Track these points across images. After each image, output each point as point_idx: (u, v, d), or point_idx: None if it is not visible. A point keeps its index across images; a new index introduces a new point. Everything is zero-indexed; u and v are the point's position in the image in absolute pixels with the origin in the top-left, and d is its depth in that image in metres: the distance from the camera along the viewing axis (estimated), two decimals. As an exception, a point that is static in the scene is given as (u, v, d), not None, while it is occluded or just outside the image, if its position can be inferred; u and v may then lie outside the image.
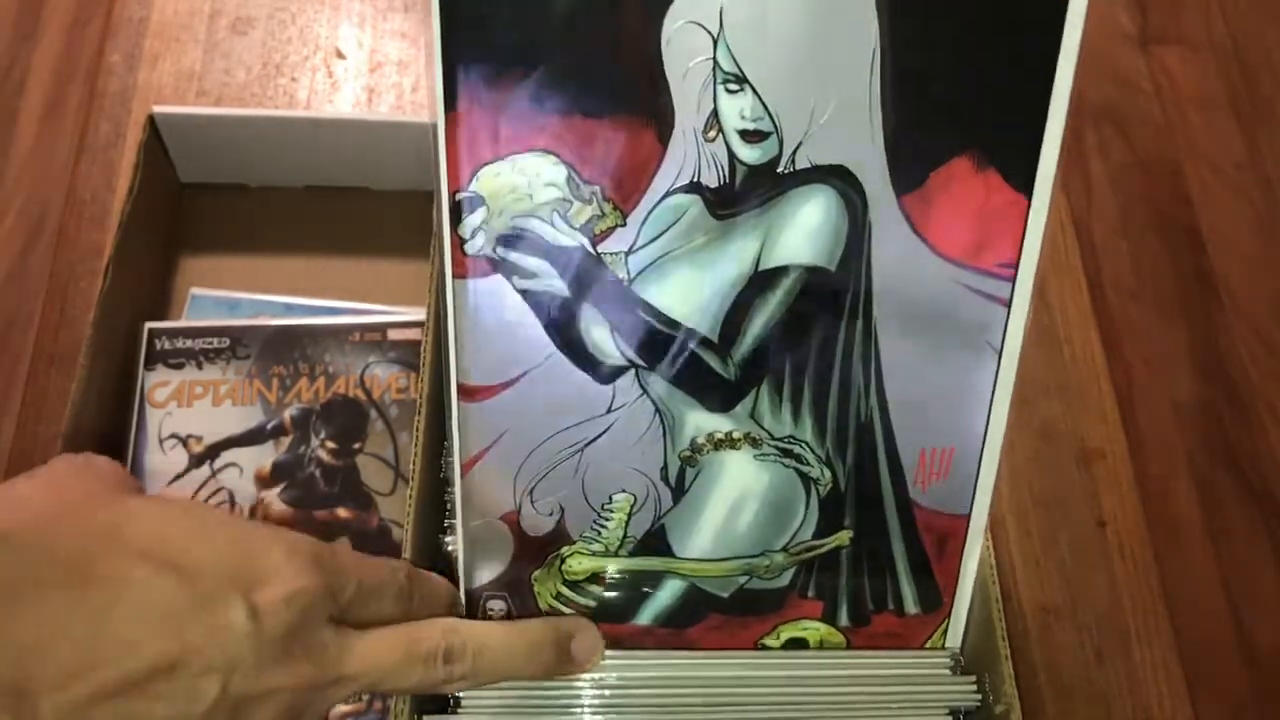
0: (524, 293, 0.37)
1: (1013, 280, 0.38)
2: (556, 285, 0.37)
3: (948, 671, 0.42)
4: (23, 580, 0.30)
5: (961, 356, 0.39)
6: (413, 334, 0.57)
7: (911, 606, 0.42)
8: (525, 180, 0.36)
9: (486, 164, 0.36)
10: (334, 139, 0.61)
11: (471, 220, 0.36)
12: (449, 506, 0.41)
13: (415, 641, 0.36)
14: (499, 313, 0.38)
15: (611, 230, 0.37)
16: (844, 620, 0.42)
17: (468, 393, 0.39)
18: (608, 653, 0.41)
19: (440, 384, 0.42)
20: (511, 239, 0.37)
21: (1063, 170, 0.37)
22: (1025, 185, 0.37)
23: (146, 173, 0.57)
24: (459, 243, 0.37)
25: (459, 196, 0.36)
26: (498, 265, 0.37)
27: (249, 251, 0.63)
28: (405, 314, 0.58)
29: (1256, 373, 0.64)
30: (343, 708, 0.51)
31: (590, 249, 0.37)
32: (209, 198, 0.64)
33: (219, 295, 0.61)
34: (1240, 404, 0.63)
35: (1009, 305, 0.39)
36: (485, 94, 0.35)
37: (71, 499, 0.33)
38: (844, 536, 0.41)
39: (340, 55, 0.69)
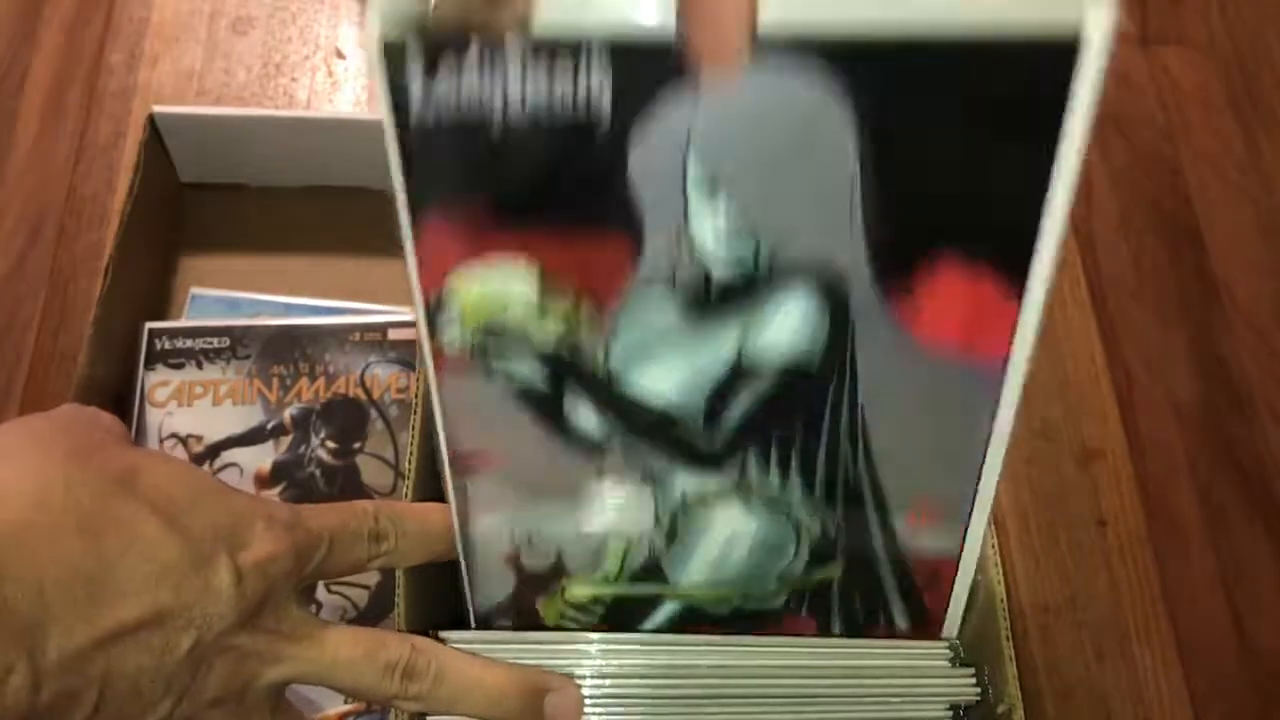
0: (505, 384, 0.37)
1: (1004, 371, 0.37)
2: (537, 377, 0.37)
3: (946, 663, 0.43)
4: (45, 520, 0.31)
5: (951, 438, 0.38)
6: (412, 334, 0.57)
7: (903, 624, 0.43)
8: (499, 281, 0.36)
9: (458, 266, 0.35)
10: (334, 139, 0.61)
11: (445, 319, 0.36)
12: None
13: (381, 645, 0.37)
14: (481, 403, 0.38)
15: (588, 324, 0.37)
16: (838, 634, 0.43)
17: (457, 460, 0.39)
18: (607, 638, 0.41)
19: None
20: (488, 334, 0.37)
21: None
22: (1019, 281, 0.35)
23: (146, 173, 0.57)
24: (436, 340, 0.37)
25: (433, 296, 0.36)
26: (477, 357, 0.37)
27: (249, 251, 0.63)
28: (405, 314, 0.58)
29: (1256, 373, 0.64)
30: (343, 707, 0.51)
31: (568, 341, 0.37)
32: (209, 198, 0.64)
33: (219, 295, 0.61)
34: (1240, 404, 0.63)
35: (999, 394, 0.37)
36: (452, 210, 0.34)
37: (88, 443, 0.34)
38: (834, 571, 0.41)
39: (340, 55, 0.70)
